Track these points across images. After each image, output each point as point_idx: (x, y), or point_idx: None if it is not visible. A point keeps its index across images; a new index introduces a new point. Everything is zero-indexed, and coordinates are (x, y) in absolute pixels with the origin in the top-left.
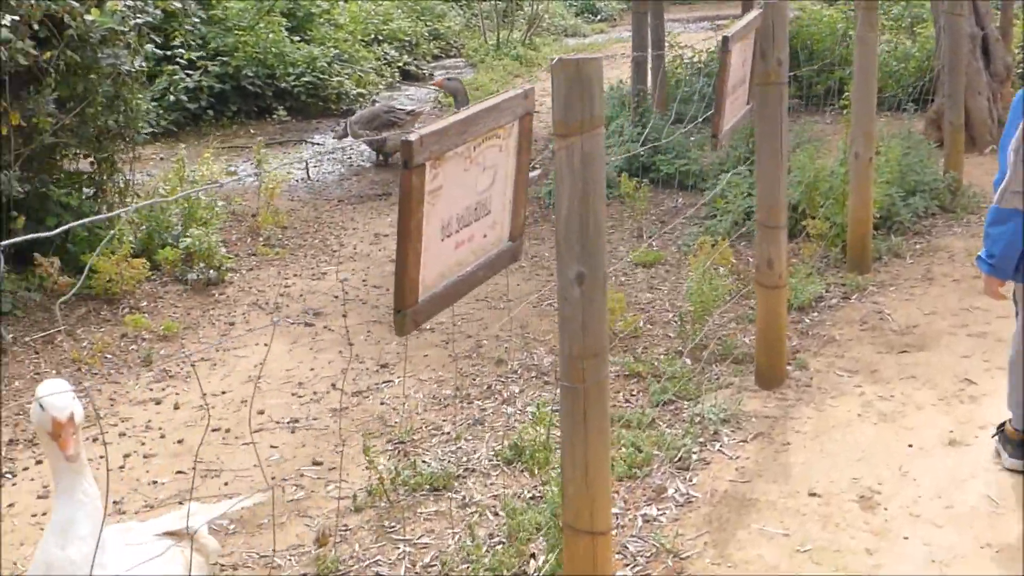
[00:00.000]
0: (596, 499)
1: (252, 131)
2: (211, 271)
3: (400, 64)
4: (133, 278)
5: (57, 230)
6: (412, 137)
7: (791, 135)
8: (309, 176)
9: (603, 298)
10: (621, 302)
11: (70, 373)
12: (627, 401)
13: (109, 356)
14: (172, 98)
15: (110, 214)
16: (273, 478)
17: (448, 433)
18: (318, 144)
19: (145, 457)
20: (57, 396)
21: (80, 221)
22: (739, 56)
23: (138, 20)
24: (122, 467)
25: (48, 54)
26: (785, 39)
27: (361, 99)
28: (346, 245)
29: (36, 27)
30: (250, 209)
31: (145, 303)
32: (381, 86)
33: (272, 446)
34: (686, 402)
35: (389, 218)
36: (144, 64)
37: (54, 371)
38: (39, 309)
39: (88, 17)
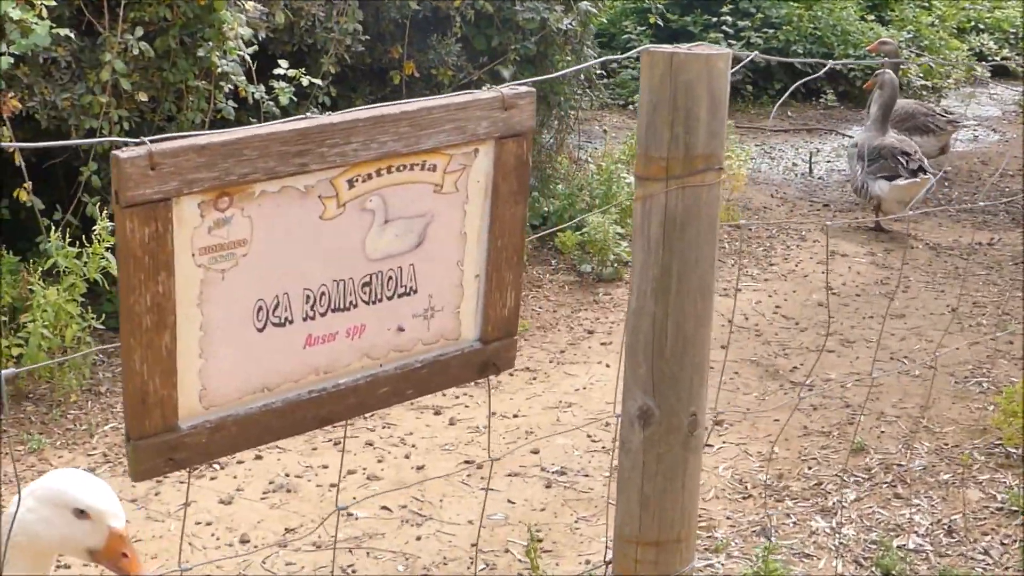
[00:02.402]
0: None
1: (791, 113)
2: (604, 267)
3: (998, 58)
4: None
5: None
6: (127, 152)
7: None
8: (811, 172)
9: (686, 454)
10: None
11: None
12: (984, 554)
13: None
14: None
15: None
16: (473, 545)
17: (715, 538)
18: (848, 137)
19: (369, 478)
20: (107, 496)
21: None
22: None
23: None
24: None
25: (458, 1)
26: None
27: (924, 93)
28: (790, 260)
29: None
30: None
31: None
32: (951, 80)
33: (510, 500)
34: None
35: (852, 241)
36: (573, 24)
37: None
38: None
39: None
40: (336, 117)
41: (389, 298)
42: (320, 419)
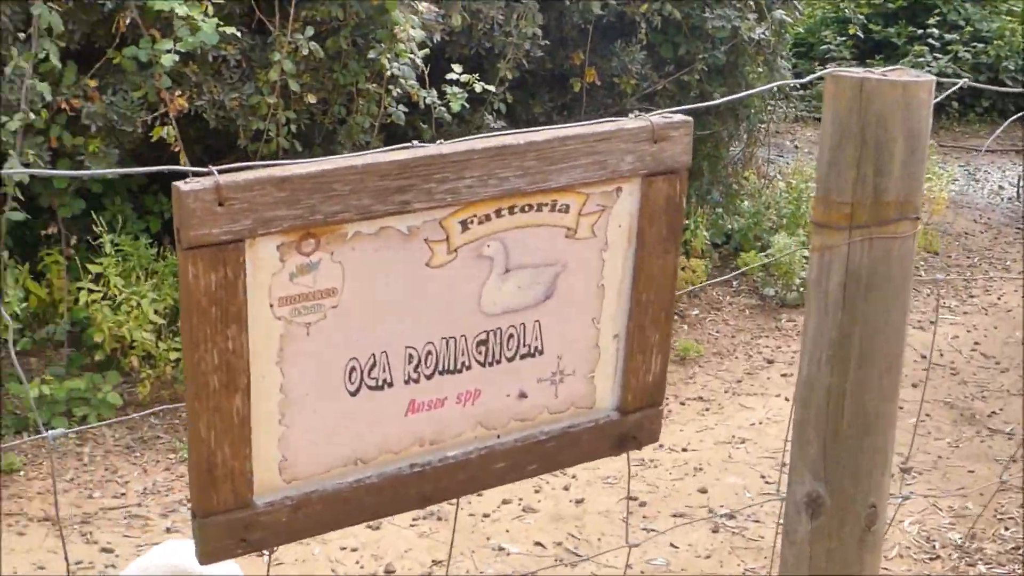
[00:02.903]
0: None
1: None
2: (788, 292)
3: None
4: (687, 280)
5: None
6: (191, 185)
7: None
8: (1019, 197)
9: (862, 553)
10: None
11: None
12: None
13: None
14: None
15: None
16: None
17: None
18: None
19: (525, 510)
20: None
21: None
22: None
23: None
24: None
25: (644, 7)
26: None
27: None
28: (991, 292)
29: None
30: None
31: (697, 311)
32: None
33: (672, 544)
34: None
35: None
36: (766, 34)
37: None
38: None
39: None
40: (447, 148)
41: (509, 359)
42: (423, 497)
